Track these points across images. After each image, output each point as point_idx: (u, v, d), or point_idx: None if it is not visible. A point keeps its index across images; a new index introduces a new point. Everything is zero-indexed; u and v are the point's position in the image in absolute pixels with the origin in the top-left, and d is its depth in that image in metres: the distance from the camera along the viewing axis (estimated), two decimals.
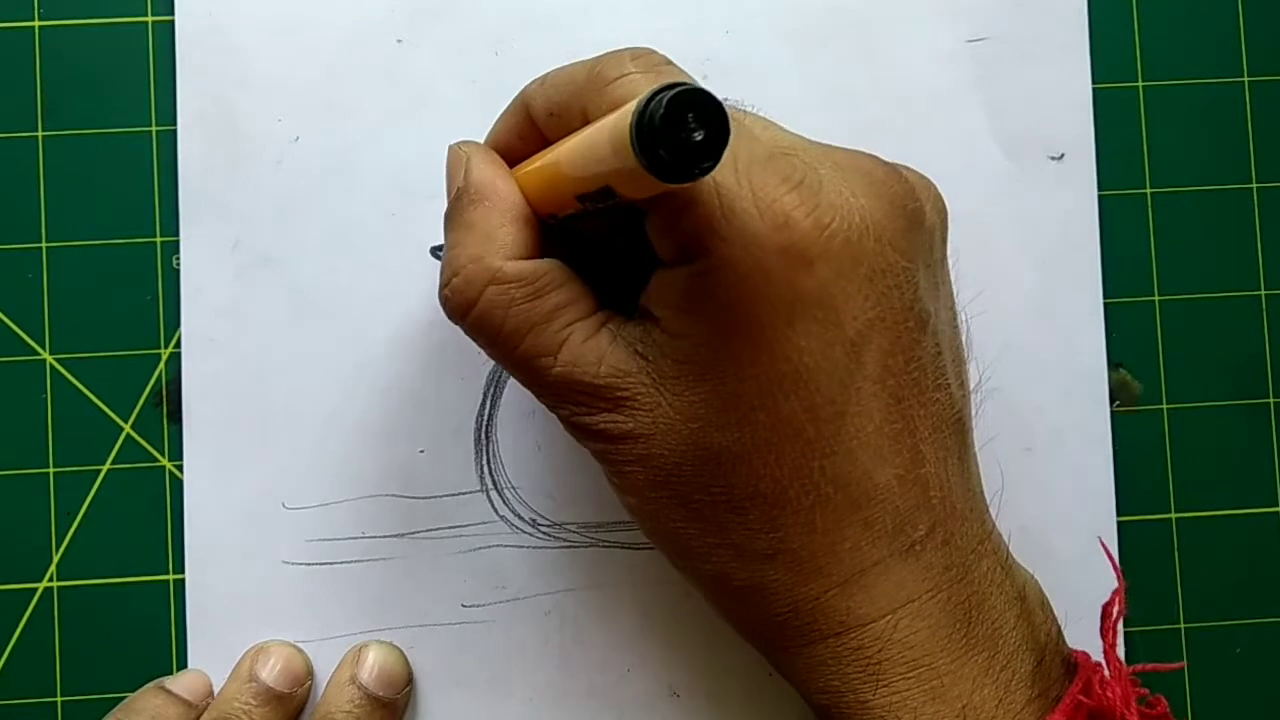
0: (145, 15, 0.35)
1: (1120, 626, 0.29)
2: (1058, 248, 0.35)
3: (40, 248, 0.34)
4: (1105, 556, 0.30)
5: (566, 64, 0.27)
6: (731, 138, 0.21)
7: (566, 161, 0.25)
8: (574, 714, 0.34)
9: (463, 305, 0.26)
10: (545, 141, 0.27)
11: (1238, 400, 0.36)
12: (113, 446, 0.34)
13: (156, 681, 0.33)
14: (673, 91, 0.20)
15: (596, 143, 0.23)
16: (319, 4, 0.35)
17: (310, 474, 0.34)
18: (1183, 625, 0.35)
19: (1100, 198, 0.35)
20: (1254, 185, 0.36)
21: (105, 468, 0.34)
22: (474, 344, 0.35)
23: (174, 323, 0.34)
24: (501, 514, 0.34)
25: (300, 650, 0.33)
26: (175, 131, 0.34)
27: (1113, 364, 0.35)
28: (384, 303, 0.34)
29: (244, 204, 0.34)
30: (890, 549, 0.26)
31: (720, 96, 0.21)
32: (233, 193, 0.34)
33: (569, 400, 0.26)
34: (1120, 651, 0.34)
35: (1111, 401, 0.35)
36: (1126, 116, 0.36)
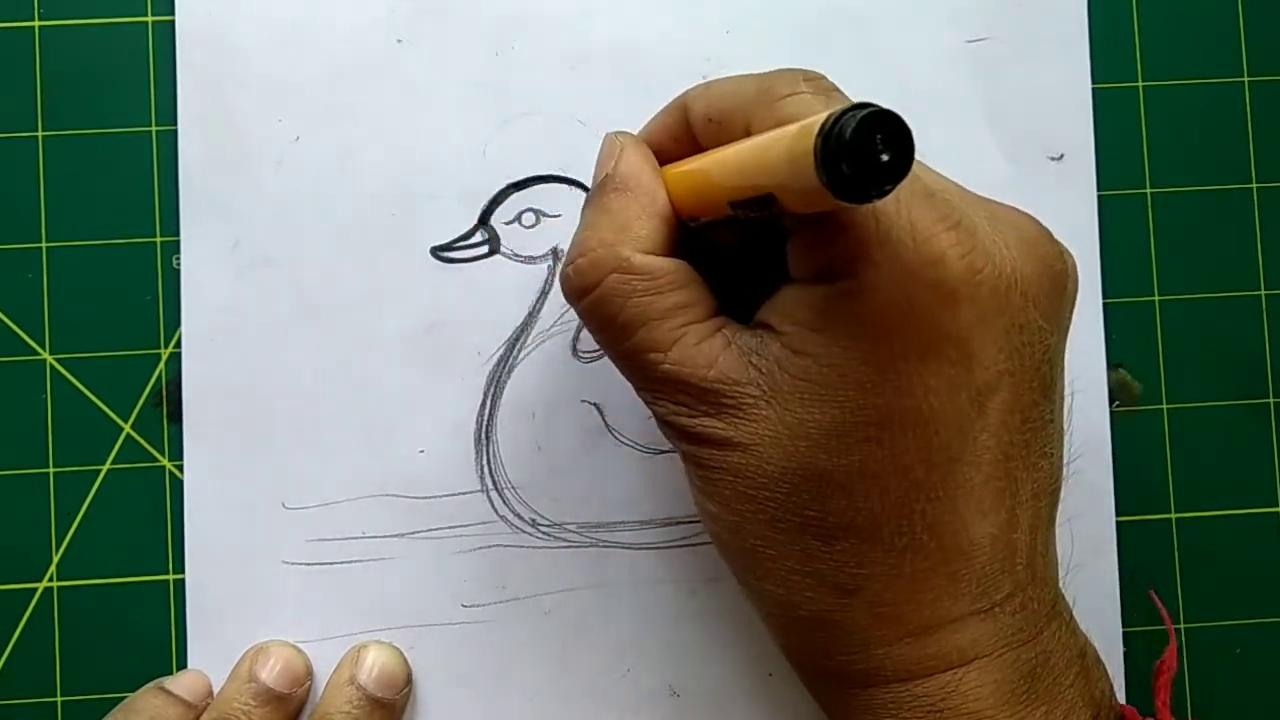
0: (145, 15, 0.35)
1: (1170, 685, 0.29)
2: None
3: (40, 248, 0.34)
4: (1111, 553, 0.30)
5: (731, 75, 0.27)
6: None
7: (731, 167, 0.25)
8: (574, 714, 0.34)
9: (582, 287, 0.26)
10: (699, 146, 0.27)
11: (1238, 400, 0.36)
12: (113, 446, 0.34)
13: (156, 682, 0.33)
14: (865, 111, 0.20)
15: (769, 152, 0.23)
16: (319, 4, 0.35)
17: (310, 474, 0.34)
18: (1183, 625, 0.35)
19: (1100, 198, 0.35)
20: (1254, 185, 0.36)
21: (105, 468, 0.34)
22: (474, 344, 0.35)
23: (174, 323, 0.34)
24: (501, 514, 0.34)
25: (300, 650, 0.33)
26: (175, 131, 0.34)
27: (1113, 364, 0.35)
28: (384, 303, 0.34)
29: (244, 204, 0.34)
30: (971, 607, 0.25)
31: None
32: (233, 193, 0.34)
33: (671, 398, 0.26)
34: (1120, 653, 0.34)
35: (1111, 401, 0.35)
36: (1126, 116, 0.36)
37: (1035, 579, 0.26)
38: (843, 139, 0.20)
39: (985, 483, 0.25)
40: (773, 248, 0.26)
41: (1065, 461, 0.28)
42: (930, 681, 0.25)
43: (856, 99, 0.22)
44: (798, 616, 0.26)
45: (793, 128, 0.22)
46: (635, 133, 0.29)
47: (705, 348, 0.26)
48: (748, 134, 0.25)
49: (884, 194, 0.21)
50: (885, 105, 0.21)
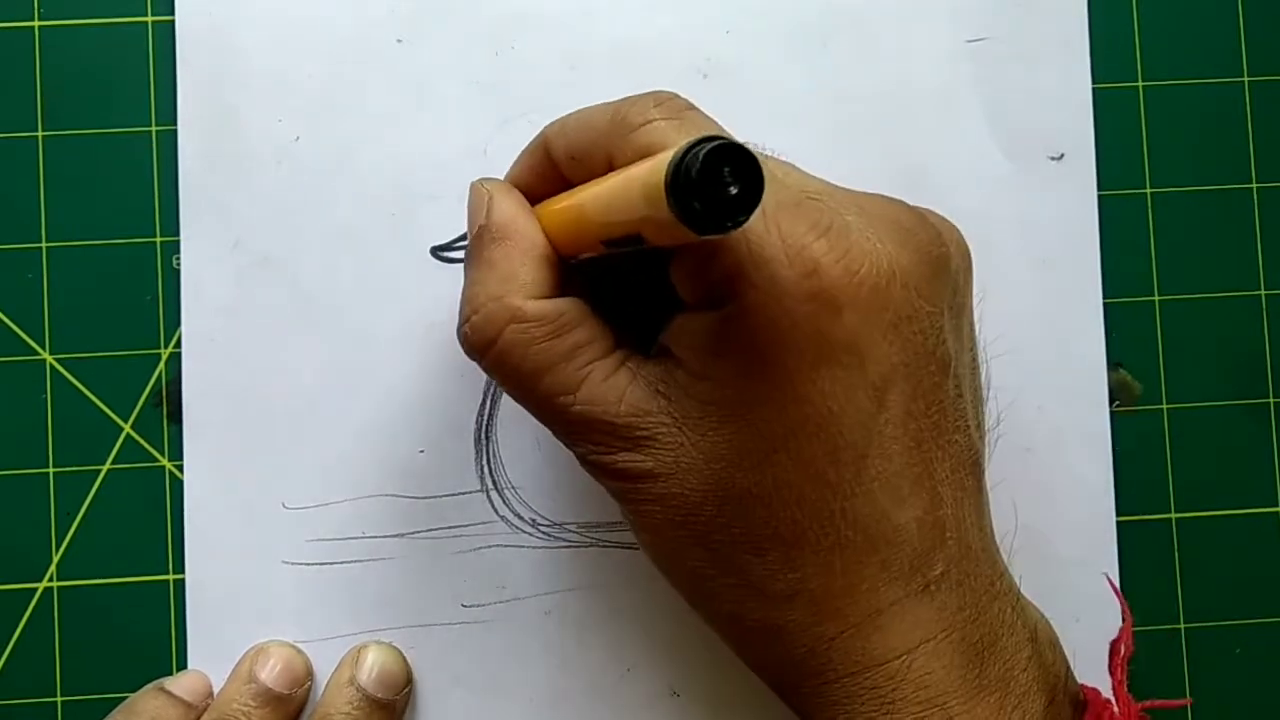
0: (145, 15, 0.35)
1: (1126, 664, 0.29)
2: (1058, 248, 0.35)
3: (40, 248, 0.34)
4: (1111, 553, 0.30)
5: (587, 107, 0.27)
6: None
7: (594, 207, 0.25)
8: (574, 714, 0.34)
9: (482, 343, 0.26)
10: (566, 183, 0.27)
11: (1238, 400, 0.36)
12: (113, 446, 0.34)
13: (156, 683, 0.33)
14: (710, 145, 0.20)
15: (627, 191, 0.23)
16: (319, 4, 0.35)
17: (310, 474, 0.34)
18: (1183, 625, 0.35)
19: (1100, 198, 0.35)
20: (1254, 185, 0.36)
21: (105, 468, 0.34)
22: None
23: (174, 323, 0.34)
24: (501, 514, 0.34)
25: (300, 651, 0.33)
26: (175, 131, 0.34)
27: (1113, 364, 0.35)
28: (384, 303, 0.34)
29: (244, 204, 0.34)
30: (906, 589, 0.25)
31: (741, 139, 0.21)
32: (233, 193, 0.34)
33: (588, 439, 0.26)
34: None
35: (1111, 401, 0.35)
36: (1126, 116, 0.36)
37: (969, 553, 0.26)
38: (690, 176, 0.20)
39: (900, 471, 0.25)
40: (662, 272, 0.26)
41: (987, 427, 0.28)
42: (880, 671, 0.25)
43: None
44: (747, 628, 0.27)
45: (646, 164, 0.22)
46: (502, 177, 0.29)
47: (612, 383, 0.26)
48: (610, 168, 0.25)
49: (739, 224, 0.21)
50: (731, 138, 0.21)
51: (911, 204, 0.27)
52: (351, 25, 0.35)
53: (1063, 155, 0.35)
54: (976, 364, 0.28)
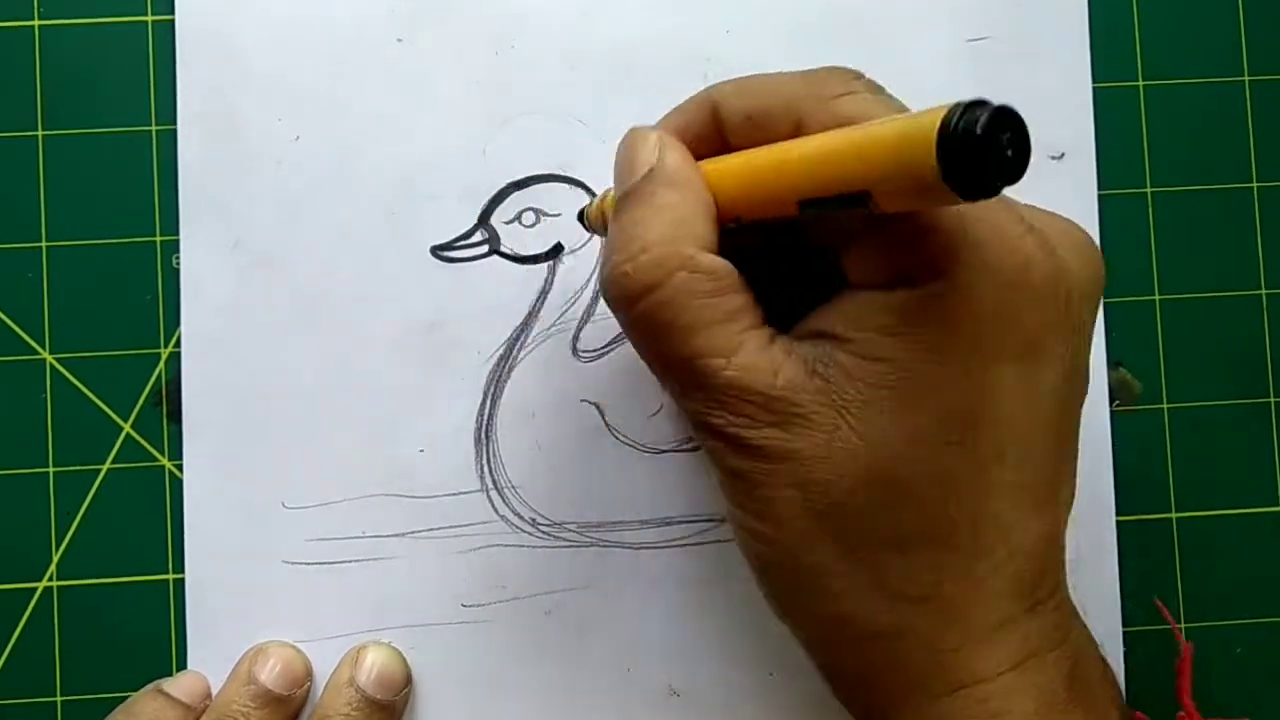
0: (145, 15, 0.35)
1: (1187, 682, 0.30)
2: None
3: (40, 248, 0.34)
4: (1111, 553, 0.30)
5: (760, 74, 0.26)
6: None
7: (812, 163, 0.24)
8: (574, 714, 0.34)
9: (643, 287, 0.24)
10: (727, 146, 0.26)
11: (1238, 400, 0.36)
12: (113, 446, 0.34)
13: (154, 684, 0.33)
14: (990, 108, 0.20)
15: (867, 148, 0.22)
16: (319, 4, 0.35)
17: (310, 474, 0.34)
18: (1183, 625, 0.35)
19: (1100, 198, 0.35)
20: (1254, 185, 0.36)
21: (105, 468, 0.34)
22: (474, 344, 0.35)
23: (174, 323, 0.34)
24: (501, 514, 0.34)
25: (300, 651, 0.33)
26: (175, 131, 0.34)
27: (1113, 364, 0.35)
28: (384, 303, 0.34)
29: (244, 204, 0.34)
30: (1023, 604, 0.25)
31: None
32: (233, 193, 0.34)
33: (732, 408, 0.24)
34: (1120, 653, 0.34)
35: (1111, 401, 0.35)
36: (1126, 116, 0.36)
37: (1064, 573, 0.26)
38: (972, 134, 0.20)
39: (1043, 481, 0.25)
40: (803, 253, 0.26)
41: None
42: (992, 685, 0.25)
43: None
44: (855, 634, 0.25)
45: (898, 121, 0.22)
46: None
47: (768, 355, 0.24)
48: (797, 133, 0.25)
49: (998, 190, 0.20)
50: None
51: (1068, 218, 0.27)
52: (351, 25, 0.35)
53: (1063, 155, 0.35)
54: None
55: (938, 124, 0.20)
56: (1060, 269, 0.24)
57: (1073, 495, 0.26)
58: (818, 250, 0.26)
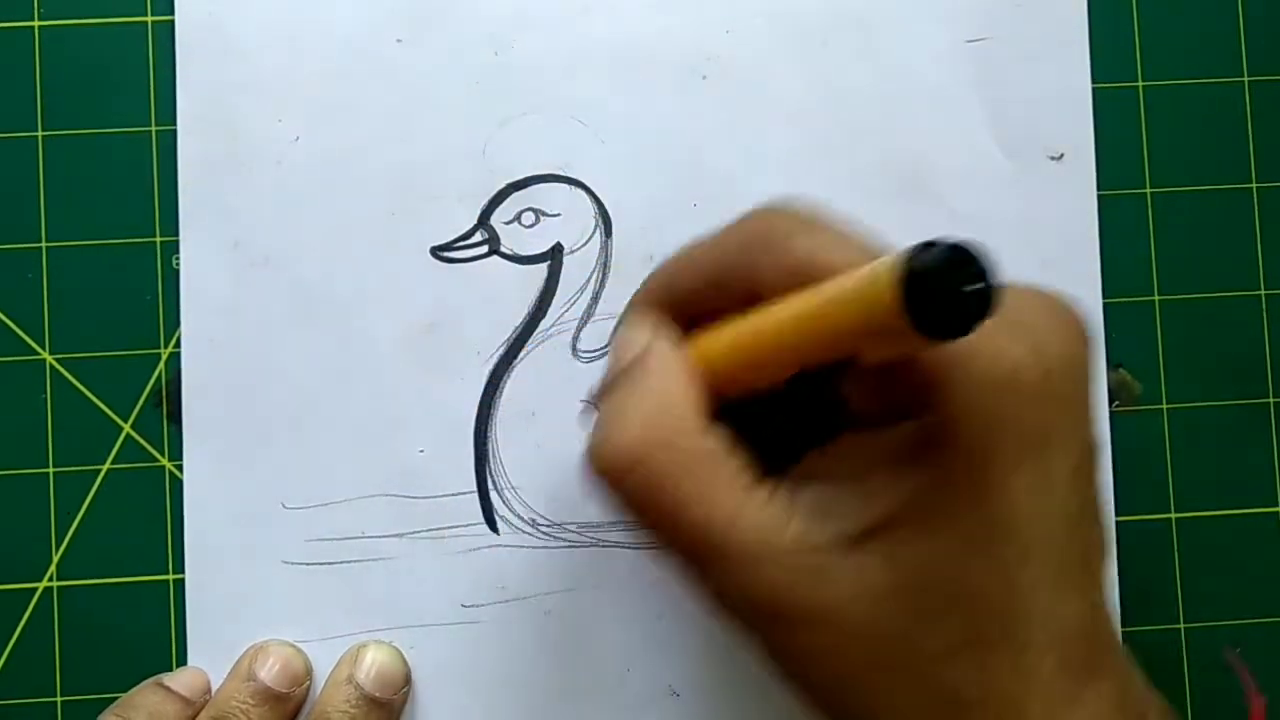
0: (145, 15, 0.35)
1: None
2: (1058, 248, 0.35)
3: (40, 248, 0.34)
4: (1111, 553, 0.30)
5: (681, 249, 0.27)
6: None
7: (792, 335, 0.24)
8: (574, 714, 0.34)
9: (628, 462, 0.24)
10: (688, 325, 0.26)
11: (1238, 400, 0.36)
12: (113, 446, 0.34)
13: (155, 678, 0.33)
14: (948, 243, 0.19)
15: (835, 311, 0.22)
16: (319, 4, 0.35)
17: (310, 474, 0.34)
18: (1183, 625, 0.35)
19: (1100, 198, 0.35)
20: (1254, 185, 0.36)
21: (105, 468, 0.34)
22: (474, 344, 0.35)
23: (174, 323, 0.34)
24: (501, 514, 0.34)
25: (299, 650, 0.33)
26: (175, 131, 0.34)
27: (1113, 364, 0.35)
28: (384, 303, 0.34)
29: (244, 204, 0.34)
30: (1080, 681, 0.25)
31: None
32: (233, 193, 0.34)
33: (748, 575, 0.24)
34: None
35: (1111, 401, 0.35)
36: (1126, 116, 0.36)
37: (1117, 638, 0.26)
38: (932, 278, 0.19)
39: (1076, 560, 0.25)
40: (794, 398, 0.26)
41: None
42: None
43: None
44: None
45: (855, 277, 0.21)
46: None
47: (771, 510, 0.24)
48: (752, 289, 0.25)
49: (975, 327, 0.20)
50: (952, 238, 0.20)
51: (1036, 286, 0.26)
52: (351, 25, 0.35)
53: (1063, 155, 0.35)
54: None
55: (896, 283, 0.20)
56: (1047, 360, 0.24)
57: (1106, 551, 0.26)
58: (809, 379, 0.26)
